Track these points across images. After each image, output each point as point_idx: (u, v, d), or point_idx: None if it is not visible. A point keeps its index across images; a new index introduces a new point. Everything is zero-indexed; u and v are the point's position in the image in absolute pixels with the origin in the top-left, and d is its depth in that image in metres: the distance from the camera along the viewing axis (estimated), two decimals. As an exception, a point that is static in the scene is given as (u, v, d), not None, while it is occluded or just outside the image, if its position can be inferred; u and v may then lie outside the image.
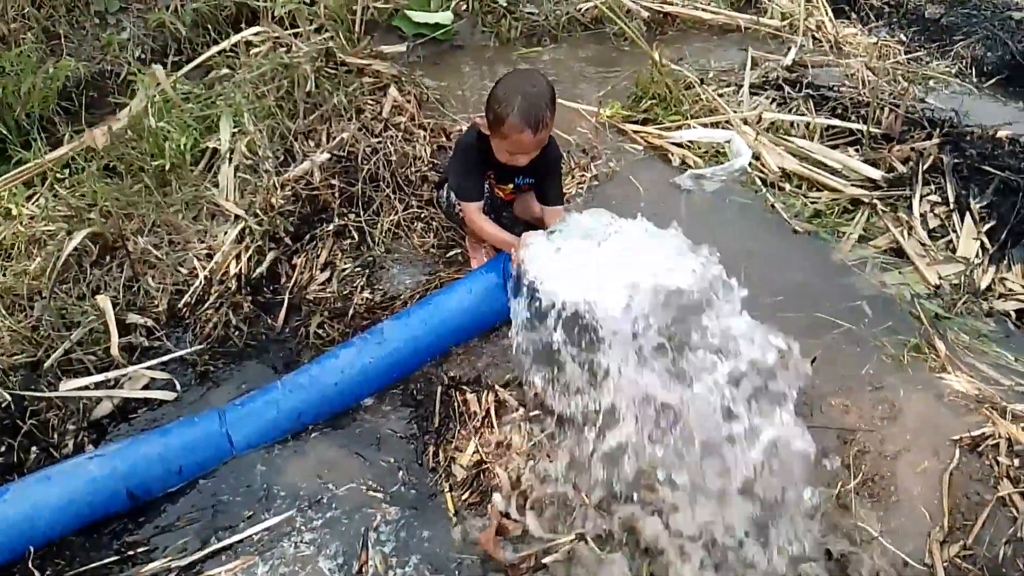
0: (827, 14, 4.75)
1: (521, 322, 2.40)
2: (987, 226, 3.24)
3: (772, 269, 3.14)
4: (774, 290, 3.03)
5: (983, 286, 3.05)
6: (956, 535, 2.30)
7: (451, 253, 3.12)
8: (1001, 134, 3.65)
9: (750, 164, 3.57)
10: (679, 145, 3.71)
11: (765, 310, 2.93)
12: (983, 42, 4.62)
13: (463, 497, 2.45)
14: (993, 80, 4.47)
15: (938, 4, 4.99)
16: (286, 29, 3.89)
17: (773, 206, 3.40)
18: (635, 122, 3.87)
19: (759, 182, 3.52)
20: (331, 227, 3.13)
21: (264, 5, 4.08)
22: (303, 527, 2.35)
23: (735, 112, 3.82)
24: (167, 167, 3.20)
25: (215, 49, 3.80)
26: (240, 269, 3.01)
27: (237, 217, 3.07)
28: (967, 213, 3.27)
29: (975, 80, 4.46)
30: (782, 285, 3.05)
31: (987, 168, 3.40)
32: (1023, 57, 4.47)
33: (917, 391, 2.67)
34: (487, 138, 2.66)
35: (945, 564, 2.23)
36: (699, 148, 3.71)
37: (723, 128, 3.78)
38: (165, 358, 2.81)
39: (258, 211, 3.07)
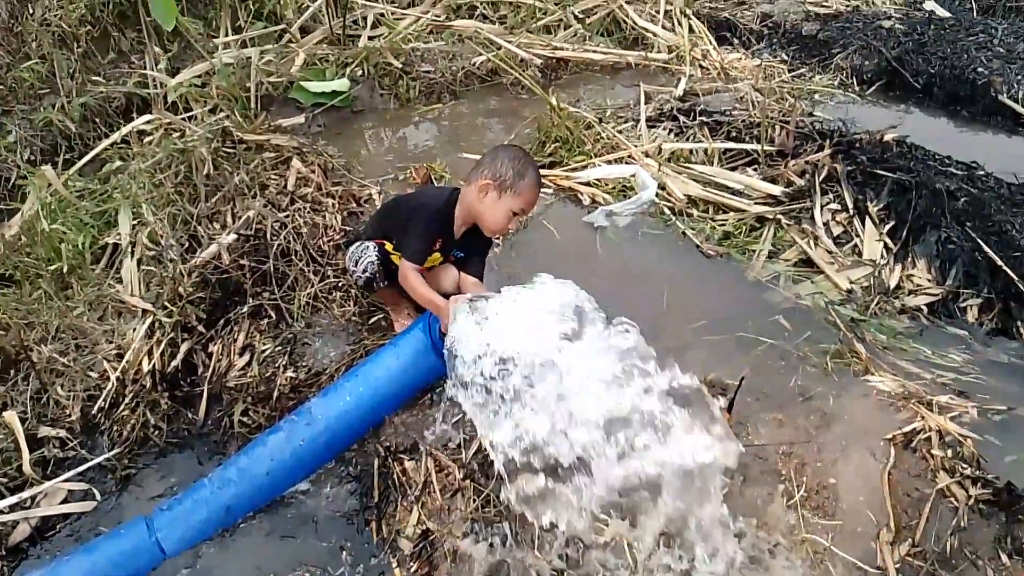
0: (711, 42, 4.95)
1: (455, 382, 2.35)
2: (887, 227, 3.37)
3: (691, 295, 3.20)
4: (696, 315, 3.08)
5: (892, 285, 3.16)
6: (903, 534, 2.34)
7: (373, 319, 3.07)
8: (888, 137, 3.83)
9: (657, 195, 3.64)
10: (587, 184, 3.77)
11: (690, 335, 2.99)
12: (859, 52, 4.87)
13: (413, 570, 2.37)
14: (874, 87, 4.71)
15: (813, 21, 5.25)
16: (179, 114, 3.83)
17: (684, 233, 3.47)
18: (542, 167, 3.91)
19: (668, 211, 3.59)
20: (246, 308, 3.04)
21: (155, 92, 4.02)
22: (248, 630, 2.24)
23: (636, 146, 3.91)
24: (66, 269, 3.08)
25: (106, 142, 3.72)
26: (153, 365, 2.90)
27: (145, 312, 2.96)
28: (867, 217, 3.40)
29: (857, 89, 4.69)
30: (703, 309, 3.10)
31: (879, 171, 3.55)
32: (898, 63, 4.72)
33: (845, 396, 2.73)
34: (452, 209, 2.69)
35: (897, 564, 2.26)
36: (607, 185, 3.77)
37: (627, 163, 3.86)
38: (81, 468, 2.67)
39: (166, 303, 2.97)
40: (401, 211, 2.82)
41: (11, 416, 2.74)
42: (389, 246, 2.80)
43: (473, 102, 4.59)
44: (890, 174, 3.53)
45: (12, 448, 2.69)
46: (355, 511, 2.52)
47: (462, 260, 2.84)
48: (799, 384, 2.77)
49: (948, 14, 5.47)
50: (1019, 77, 4.48)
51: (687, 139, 3.98)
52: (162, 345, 2.89)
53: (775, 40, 5.16)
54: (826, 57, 4.91)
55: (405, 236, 2.70)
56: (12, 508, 2.56)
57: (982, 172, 3.70)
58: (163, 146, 3.38)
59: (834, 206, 3.49)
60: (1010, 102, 4.37)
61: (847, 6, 5.44)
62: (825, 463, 2.51)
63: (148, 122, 3.76)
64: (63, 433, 2.75)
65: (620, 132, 4.03)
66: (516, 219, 2.67)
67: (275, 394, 2.82)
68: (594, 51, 4.82)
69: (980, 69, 4.59)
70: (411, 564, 2.38)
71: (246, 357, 2.94)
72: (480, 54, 4.64)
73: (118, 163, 3.54)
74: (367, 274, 2.76)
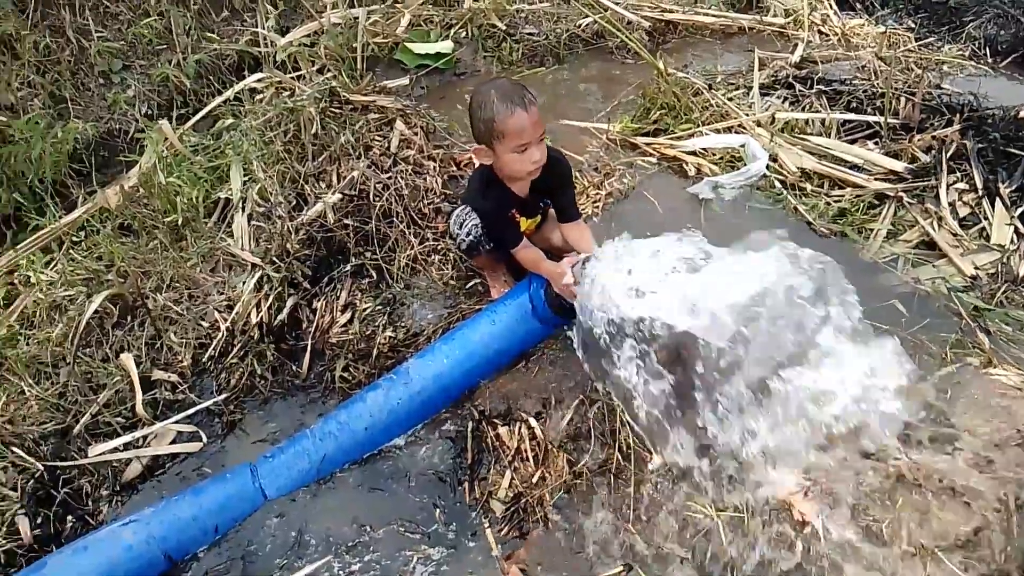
0: (831, 7, 4.69)
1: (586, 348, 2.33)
2: (1020, 210, 3.13)
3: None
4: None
5: (1022, 273, 2.94)
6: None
7: (470, 284, 3.07)
8: (1023, 114, 3.55)
9: (768, 167, 3.49)
10: (693, 154, 3.64)
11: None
12: (994, 21, 4.53)
13: (503, 533, 2.39)
14: (1009, 59, 4.37)
15: (945, -14, 4.91)
16: (288, 73, 3.89)
17: (796, 209, 3.31)
18: (646, 134, 3.80)
19: (779, 185, 3.44)
20: (348, 267, 3.09)
21: (266, 51, 4.09)
22: (340, 573, 2.30)
23: (747, 115, 3.75)
24: (180, 222, 3.19)
25: (219, 99, 3.82)
26: (261, 318, 2.99)
27: (254, 266, 3.05)
28: (997, 198, 3.16)
29: (990, 61, 4.36)
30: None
31: (1013, 151, 3.30)
32: (1037, 33, 4.37)
33: (964, 391, 2.57)
34: (494, 181, 2.59)
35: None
36: (714, 155, 3.63)
37: (736, 132, 3.71)
38: (190, 411, 2.80)
39: (274, 258, 3.04)
40: (473, 213, 2.75)
41: (127, 359, 2.88)
42: None
43: (577, 66, 4.49)
44: (1025, 153, 3.27)
45: (128, 390, 2.83)
46: (449, 471, 2.56)
47: (554, 205, 2.77)
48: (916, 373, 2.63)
49: (1096, -20, 5.00)
50: None
51: (803, 109, 3.78)
52: (270, 299, 2.98)
53: (901, 6, 4.84)
54: (957, 26, 4.57)
55: (492, 236, 2.69)
56: (126, 447, 2.70)
57: None
58: (274, 105, 3.45)
59: (961, 185, 3.26)
60: None
61: (982, -30, 5.05)
62: (936, 464, 2.38)
63: (259, 80, 3.84)
64: (174, 377, 2.88)
65: (730, 100, 3.87)
66: (529, 151, 2.41)
67: (374, 352, 2.87)
68: (705, 14, 4.64)
69: None
70: (503, 527, 2.40)
71: (348, 315, 3.00)
72: (586, 16, 4.52)
73: (230, 120, 3.63)
74: (471, 237, 2.73)
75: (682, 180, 3.58)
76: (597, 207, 3.39)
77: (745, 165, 3.52)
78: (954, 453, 2.32)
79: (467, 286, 3.08)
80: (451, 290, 3.07)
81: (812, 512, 2.21)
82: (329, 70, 3.93)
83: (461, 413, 2.66)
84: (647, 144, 3.74)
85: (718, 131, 3.72)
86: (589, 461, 2.40)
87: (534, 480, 2.43)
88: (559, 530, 2.32)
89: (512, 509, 2.41)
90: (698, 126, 3.76)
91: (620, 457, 2.36)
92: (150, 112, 4.05)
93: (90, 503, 2.56)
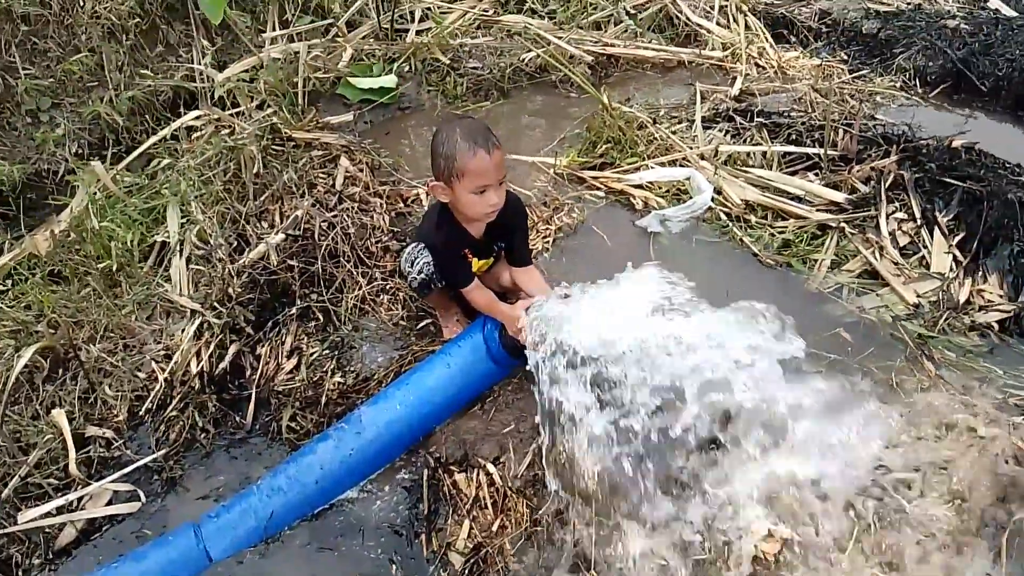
0: (767, 40, 4.79)
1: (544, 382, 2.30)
2: (957, 238, 3.22)
3: (750, 305, 3.08)
4: (756, 327, 2.97)
5: (962, 300, 3.02)
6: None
7: (422, 324, 3.01)
8: (956, 143, 3.67)
9: (713, 199, 3.53)
10: (640, 187, 3.66)
11: (750, 350, 2.88)
12: (923, 52, 4.68)
13: (464, 586, 2.32)
14: (938, 90, 4.52)
15: (874, 19, 5.06)
16: (227, 109, 3.79)
17: (742, 240, 3.35)
18: (592, 168, 3.81)
19: (724, 217, 3.47)
20: (294, 311, 3.00)
21: (203, 87, 3.98)
22: (294, 642, 2.19)
23: (691, 148, 3.79)
24: (115, 267, 3.06)
25: (155, 138, 3.69)
26: (201, 367, 2.87)
27: (193, 312, 2.93)
28: (935, 227, 3.25)
29: (920, 91, 4.51)
30: (763, 321, 2.99)
31: (949, 180, 3.40)
32: (964, 64, 4.53)
33: (914, 415, 2.61)
34: (450, 219, 2.55)
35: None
36: (660, 188, 3.66)
37: (681, 165, 3.74)
38: (127, 469, 2.66)
39: (215, 303, 2.93)
40: (425, 248, 2.71)
41: (59, 415, 2.73)
42: None
43: (521, 100, 4.49)
44: (960, 183, 3.37)
45: (60, 448, 2.67)
46: (405, 523, 2.48)
47: (507, 249, 2.73)
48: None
49: (1015, 13, 5.22)
50: (1094, 81, 4.28)
51: (744, 141, 3.84)
52: (211, 347, 2.86)
53: (834, 39, 4.98)
54: (888, 57, 4.72)
55: (442, 274, 2.65)
56: (59, 510, 2.54)
57: (1057, 183, 3.52)
58: (213, 143, 3.35)
59: (900, 215, 3.34)
60: (1084, 107, 4.18)
61: (909, 4, 5.22)
62: (894, 485, 2.40)
63: (196, 118, 3.73)
64: (110, 433, 2.74)
65: (674, 133, 3.91)
66: (487, 194, 2.38)
67: (323, 399, 2.78)
68: (646, 48, 4.69)
69: (1050, 71, 4.39)
70: (462, 580, 2.32)
71: (294, 360, 2.90)
72: (529, 50, 4.54)
73: (166, 160, 3.51)
74: (422, 275, 2.67)
75: (630, 213, 3.59)
76: (547, 242, 3.37)
77: (691, 198, 3.55)
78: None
79: (418, 327, 3.01)
80: (402, 331, 3.00)
81: (775, 551, 2.20)
82: (269, 106, 3.85)
83: (416, 461, 2.59)
84: (594, 178, 3.74)
85: (663, 164, 3.75)
86: (550, 506, 2.35)
87: (494, 528, 2.37)
88: (519, 580, 2.26)
89: (472, 561, 2.34)
90: (644, 159, 3.79)
91: (582, 501, 2.31)
92: (81, 152, 3.88)
93: (20, 574, 2.39)
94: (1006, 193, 3.32)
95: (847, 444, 2.33)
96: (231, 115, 3.69)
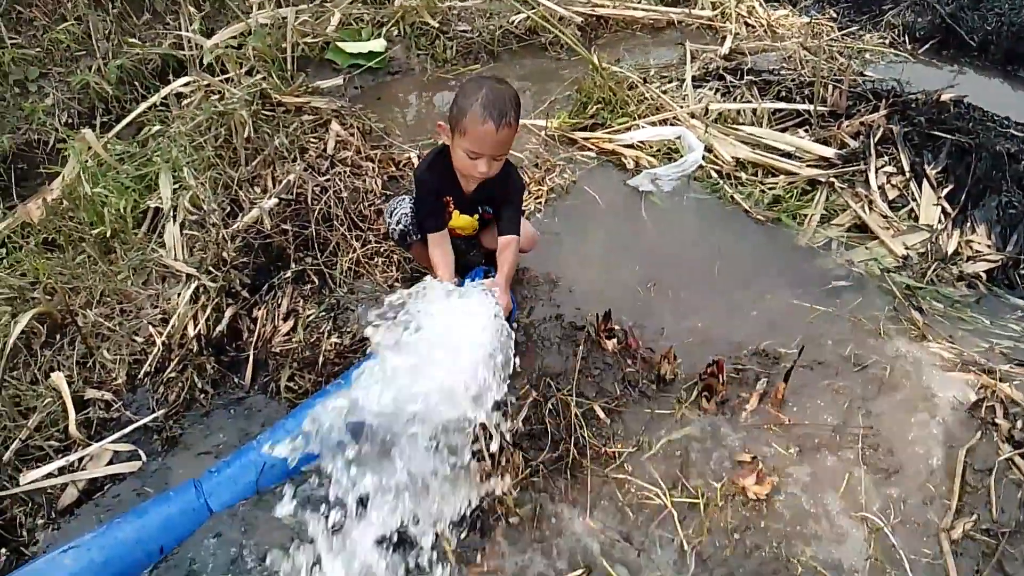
0: (757, -1, 4.79)
1: None
2: (945, 190, 3.25)
3: (740, 262, 3.12)
4: (746, 282, 3.01)
5: (950, 251, 3.06)
6: (967, 508, 2.27)
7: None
8: (945, 97, 3.68)
9: (704, 157, 3.54)
10: (631, 147, 3.68)
11: (739, 303, 2.92)
12: (912, 8, 4.68)
13: (464, 536, 2.35)
14: (927, 45, 4.53)
15: (863, -24, 5.05)
16: (216, 76, 3.78)
17: (732, 198, 3.37)
18: (583, 129, 3.83)
19: (715, 175, 3.50)
20: (289, 274, 3.01)
21: (191, 54, 3.96)
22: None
23: (681, 107, 3.80)
24: (109, 234, 3.06)
25: (145, 105, 3.67)
26: (199, 330, 2.88)
27: (189, 276, 2.94)
28: (924, 180, 3.27)
29: (909, 47, 4.52)
30: (753, 277, 3.03)
31: (937, 133, 3.42)
32: (952, 19, 4.53)
33: (902, 364, 2.65)
34: (446, 163, 2.56)
35: (960, 539, 2.19)
36: (651, 148, 3.68)
37: (672, 124, 3.75)
38: (127, 429, 2.66)
39: (210, 267, 2.94)
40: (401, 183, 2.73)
41: (58, 378, 2.74)
42: None
43: (511, 63, 4.49)
44: (948, 136, 3.40)
45: (60, 411, 2.70)
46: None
47: (496, 215, 2.73)
48: (855, 353, 2.70)
49: (1004, -32, 5.21)
50: (1081, 34, 4.28)
51: (734, 99, 3.85)
52: (207, 310, 2.87)
53: (823, -4, 4.99)
54: (876, 14, 4.72)
55: (414, 209, 2.64)
56: (60, 471, 2.57)
57: (1044, 134, 3.56)
58: (203, 108, 3.33)
59: (889, 169, 3.37)
60: (1071, 60, 4.19)
61: (898, -40, 5.21)
62: (884, 434, 2.45)
63: (186, 84, 3.71)
64: (109, 396, 2.75)
65: (664, 93, 3.92)
66: (478, 161, 2.36)
67: (320, 359, 2.80)
68: (635, 8, 4.68)
69: (1039, 25, 4.39)
70: (463, 529, 2.35)
71: (290, 323, 2.91)
72: (518, 12, 4.52)
73: (157, 127, 3.50)
74: (400, 226, 2.72)
75: (621, 173, 3.61)
76: (539, 203, 3.39)
77: (682, 156, 3.57)
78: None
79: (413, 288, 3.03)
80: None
81: (764, 491, 2.25)
82: (259, 71, 3.83)
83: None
84: (585, 139, 3.75)
85: (654, 124, 3.77)
86: (545, 457, 2.39)
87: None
88: (518, 529, 2.30)
89: (473, 510, 2.38)
90: (634, 119, 3.80)
91: (576, 452, 2.36)
92: (71, 121, 3.87)
93: (24, 533, 2.42)
94: (994, 145, 3.35)
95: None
96: (221, 81, 3.67)
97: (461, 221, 2.72)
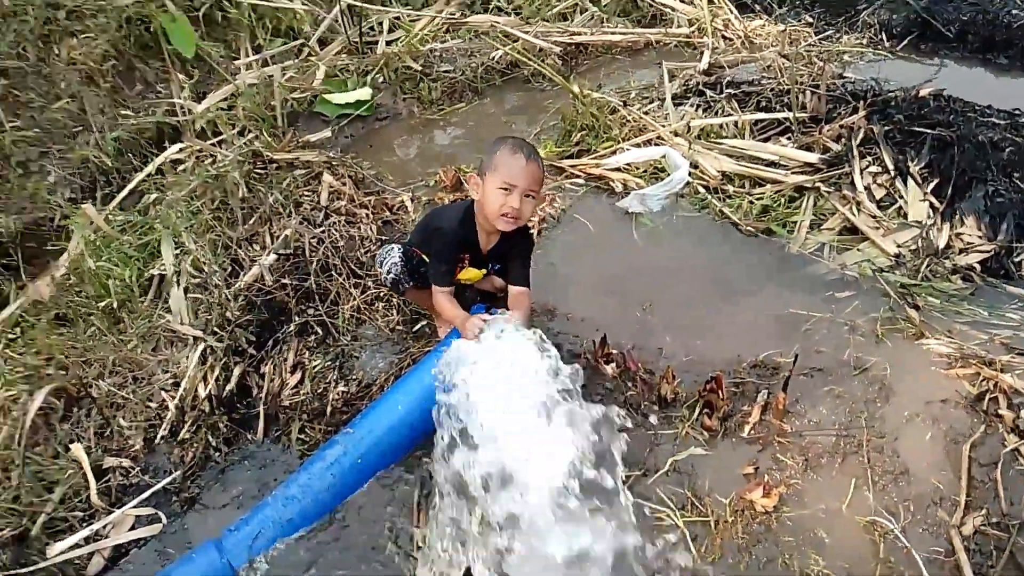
0: (732, 11, 4.85)
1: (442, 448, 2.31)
2: (931, 185, 3.28)
3: (734, 275, 3.16)
4: (743, 294, 3.05)
5: (942, 245, 3.09)
6: (977, 501, 2.28)
7: (418, 327, 3.09)
8: (924, 92, 3.73)
9: (690, 174, 3.60)
10: (618, 170, 3.73)
11: (737, 316, 2.96)
12: (886, 6, 4.74)
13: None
14: (904, 41, 4.57)
15: (836, -22, 5.11)
16: (209, 139, 3.88)
17: (722, 211, 3.42)
18: (570, 157, 3.89)
19: (702, 190, 3.55)
20: (292, 327, 3.08)
21: (184, 120, 4.07)
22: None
23: (664, 126, 3.86)
24: (116, 304, 3.15)
25: (142, 174, 3.77)
26: (209, 390, 2.95)
27: (196, 339, 3.02)
28: (909, 177, 3.31)
29: (887, 45, 4.56)
30: (748, 288, 3.07)
31: (918, 129, 3.46)
32: (928, 13, 4.58)
33: (902, 364, 2.67)
34: (472, 218, 2.65)
35: (972, 534, 2.21)
36: (638, 169, 3.73)
37: (656, 144, 3.81)
38: (146, 494, 2.73)
39: (216, 328, 3.02)
40: (426, 230, 2.80)
41: (78, 449, 2.81)
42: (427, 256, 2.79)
43: (496, 98, 4.57)
44: (929, 130, 3.43)
45: (81, 481, 2.77)
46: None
47: (502, 271, 2.82)
48: (854, 356, 2.73)
49: (975, -44, 5.25)
50: (1057, 15, 4.32)
51: (715, 114, 3.91)
52: (216, 370, 2.95)
53: (798, 2, 5.04)
54: (852, 15, 4.77)
55: (432, 262, 2.71)
56: (86, 541, 2.63)
57: (1025, 119, 3.58)
58: (197, 174, 3.43)
59: (874, 169, 3.41)
60: (1050, 42, 4.21)
61: (869, -41, 5.27)
62: (888, 435, 2.47)
63: (180, 150, 3.82)
64: (127, 462, 2.82)
65: (646, 113, 3.98)
66: (511, 196, 2.47)
67: (328, 409, 2.86)
68: (613, 32, 4.76)
69: (1015, 11, 4.43)
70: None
71: (298, 375, 2.98)
72: (498, 48, 4.61)
73: (155, 195, 3.60)
74: (391, 275, 2.80)
75: (611, 197, 3.66)
76: (533, 235, 3.44)
77: (668, 175, 3.62)
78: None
79: (414, 330, 3.10)
80: (399, 336, 3.08)
81: (772, 504, 2.27)
82: (250, 131, 3.93)
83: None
84: (572, 166, 3.82)
85: (638, 145, 3.83)
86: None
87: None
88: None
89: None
90: (619, 142, 3.87)
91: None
92: (74, 196, 3.97)
93: (57, 606, 2.49)
94: (976, 135, 3.38)
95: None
96: (213, 144, 3.78)
97: (470, 274, 2.78)
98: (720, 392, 2.55)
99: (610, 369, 2.70)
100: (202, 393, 2.92)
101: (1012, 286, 2.99)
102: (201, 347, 2.99)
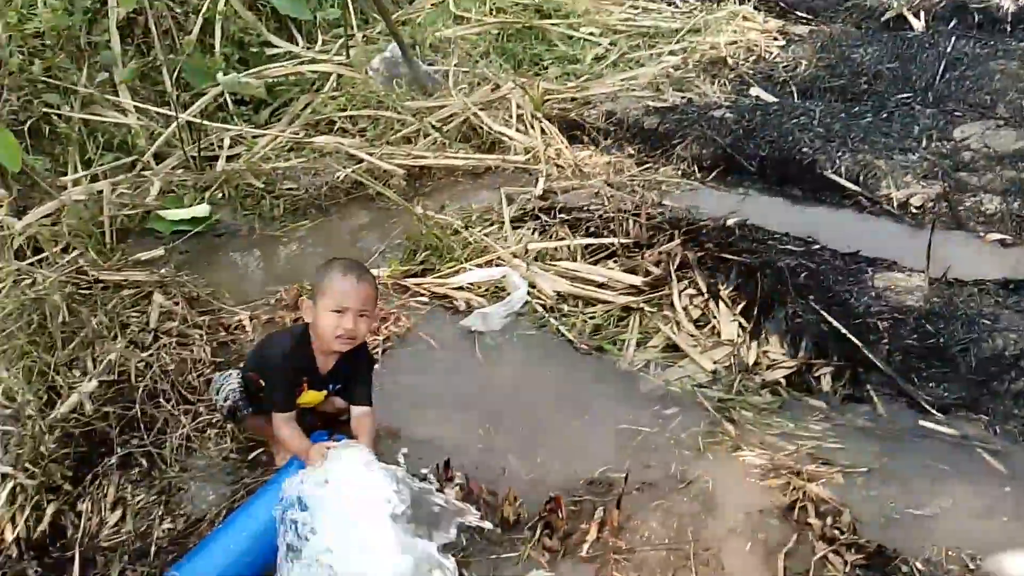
0: (563, 142, 5.23)
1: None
2: (740, 307, 3.61)
3: (571, 392, 3.30)
4: (579, 411, 3.19)
5: (751, 362, 3.38)
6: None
7: (253, 455, 2.99)
8: (730, 222, 4.15)
9: (528, 293, 3.78)
10: (461, 289, 3.87)
11: (572, 434, 3.08)
12: (696, 141, 5.26)
13: None
14: (713, 173, 5.08)
15: (653, 115, 5.62)
16: (28, 256, 3.67)
17: (558, 330, 3.60)
18: (415, 275, 3.99)
19: (540, 309, 3.73)
20: (114, 460, 2.90)
21: (3, 234, 3.83)
22: None
23: (503, 248, 4.05)
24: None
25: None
26: (18, 533, 2.69)
27: (5, 476, 2.76)
28: (720, 299, 3.64)
29: (698, 176, 5.05)
30: (584, 406, 3.22)
31: (726, 255, 3.83)
32: (732, 149, 5.13)
33: (722, 475, 2.86)
34: (307, 344, 2.64)
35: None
36: (480, 288, 3.88)
37: (496, 265, 3.99)
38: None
39: (27, 464, 2.78)
40: (261, 358, 2.77)
41: None
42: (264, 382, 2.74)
43: (341, 216, 4.63)
44: (736, 257, 3.81)
45: None
46: None
47: (343, 391, 2.81)
48: (679, 469, 2.90)
49: (773, 98, 5.96)
50: (839, 154, 4.94)
51: (550, 237, 4.16)
52: (26, 510, 2.70)
53: (620, 136, 5.50)
54: (668, 149, 5.26)
55: (270, 391, 2.68)
56: None
57: (817, 246, 4.05)
58: (12, 298, 3.22)
59: (691, 291, 3.72)
60: (834, 177, 4.81)
61: (682, 98, 5.87)
62: (713, 548, 2.61)
63: (-5, 271, 3.57)
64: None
65: (487, 235, 4.17)
66: (344, 317, 2.51)
67: (153, 549, 2.68)
68: (454, 157, 5.00)
69: (804, 149, 5.05)
70: None
71: (118, 512, 2.79)
72: (342, 168, 4.71)
73: (-38, 317, 3.33)
74: (229, 402, 2.74)
75: (455, 316, 3.77)
76: (376, 354, 3.46)
77: (508, 294, 3.78)
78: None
79: (250, 457, 2.99)
80: (233, 465, 2.97)
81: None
82: (75, 248, 3.76)
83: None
84: (417, 284, 3.91)
85: (480, 266, 3.99)
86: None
87: None
88: None
89: None
90: (462, 262, 4.01)
91: None
92: None
93: None
94: (776, 262, 3.78)
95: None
96: (33, 263, 3.56)
97: (309, 397, 2.74)
98: (560, 512, 2.62)
99: (453, 493, 2.71)
100: (9, 536, 2.67)
101: (813, 399, 3.30)
102: (10, 485, 2.73)
